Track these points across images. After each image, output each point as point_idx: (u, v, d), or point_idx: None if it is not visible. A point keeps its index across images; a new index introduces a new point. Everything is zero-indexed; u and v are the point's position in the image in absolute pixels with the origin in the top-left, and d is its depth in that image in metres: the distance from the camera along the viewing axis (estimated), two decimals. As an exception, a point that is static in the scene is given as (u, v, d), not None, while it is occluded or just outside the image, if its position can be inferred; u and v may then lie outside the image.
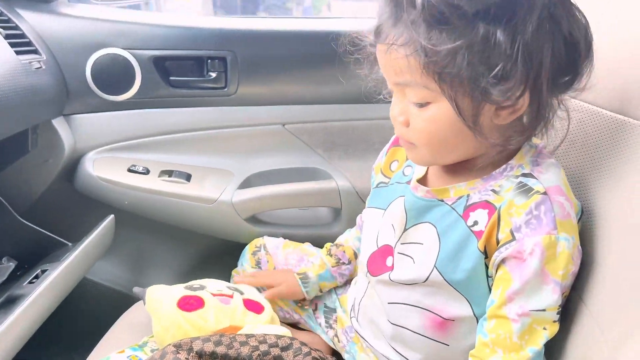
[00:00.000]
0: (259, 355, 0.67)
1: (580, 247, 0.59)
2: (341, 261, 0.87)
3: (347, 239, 0.90)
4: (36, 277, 0.84)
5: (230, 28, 1.10)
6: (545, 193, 0.58)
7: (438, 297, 0.64)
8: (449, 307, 0.64)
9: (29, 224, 1.00)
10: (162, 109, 1.11)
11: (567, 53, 0.55)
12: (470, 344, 0.64)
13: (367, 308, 0.75)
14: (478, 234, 0.60)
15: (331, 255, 0.88)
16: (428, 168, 0.69)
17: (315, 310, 0.90)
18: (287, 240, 0.98)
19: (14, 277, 0.94)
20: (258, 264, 0.95)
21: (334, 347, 0.86)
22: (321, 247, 0.92)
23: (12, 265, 0.95)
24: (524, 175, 0.60)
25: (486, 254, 0.60)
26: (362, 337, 0.77)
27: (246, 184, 1.12)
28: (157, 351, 0.69)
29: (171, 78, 1.09)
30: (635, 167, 0.58)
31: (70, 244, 1.00)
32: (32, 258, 0.97)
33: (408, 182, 0.70)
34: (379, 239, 0.72)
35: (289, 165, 1.14)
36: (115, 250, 1.11)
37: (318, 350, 0.69)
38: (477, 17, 0.51)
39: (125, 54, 1.05)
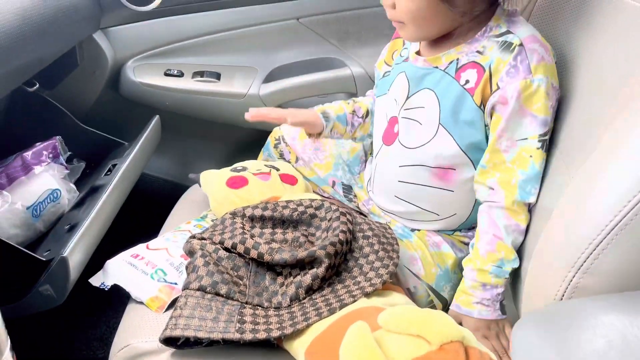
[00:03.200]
0: (298, 214, 0.84)
1: (556, 84, 0.72)
2: (355, 113, 0.98)
3: (363, 99, 1.01)
4: (109, 170, 1.01)
5: None
6: (521, 44, 0.71)
7: (443, 154, 0.78)
8: (451, 161, 0.78)
9: (89, 128, 1.15)
10: (186, 14, 1.21)
11: None
12: (471, 187, 0.80)
13: (382, 177, 0.89)
14: (470, 91, 0.74)
15: (349, 105, 0.98)
16: (420, 44, 0.82)
17: (333, 185, 1.03)
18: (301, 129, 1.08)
19: (85, 175, 1.11)
20: (282, 155, 1.06)
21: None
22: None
23: (82, 164, 1.11)
24: (503, 34, 0.73)
25: (483, 108, 0.74)
26: (377, 205, 0.92)
27: (270, 77, 1.24)
28: (217, 219, 0.88)
29: (191, -15, 1.18)
30: (612, 37, 0.68)
31: (126, 143, 1.16)
32: (96, 157, 1.14)
33: (406, 60, 0.84)
34: (387, 116, 0.86)
35: (306, 57, 1.25)
36: (163, 147, 1.27)
37: (344, 207, 0.86)
38: None
39: (147, -35, 1.13)
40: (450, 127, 0.77)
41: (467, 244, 0.86)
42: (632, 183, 0.50)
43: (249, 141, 1.30)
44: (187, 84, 1.21)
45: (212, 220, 0.94)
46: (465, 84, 0.75)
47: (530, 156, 0.72)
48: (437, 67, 0.78)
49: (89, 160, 1.13)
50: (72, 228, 0.86)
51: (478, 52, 0.74)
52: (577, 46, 0.73)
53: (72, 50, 1.10)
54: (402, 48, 0.88)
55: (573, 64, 0.73)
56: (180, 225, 0.94)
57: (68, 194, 0.97)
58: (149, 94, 1.21)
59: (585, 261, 0.52)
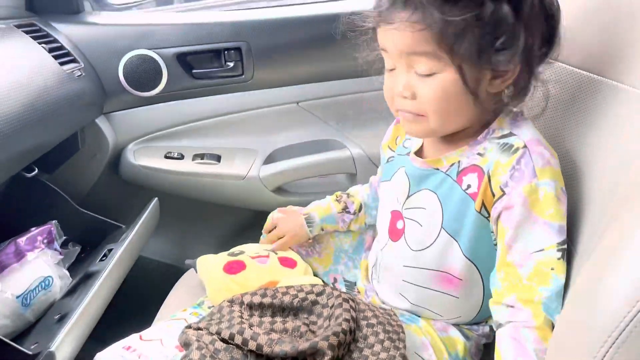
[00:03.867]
0: (299, 301, 0.81)
1: (564, 189, 0.66)
2: (347, 209, 0.96)
3: (357, 191, 0.98)
4: (105, 255, 0.98)
5: (242, 20, 1.21)
6: (525, 146, 0.65)
7: (446, 259, 0.73)
8: (455, 267, 0.73)
9: (87, 211, 1.14)
10: (188, 99, 1.24)
11: (548, 23, 0.64)
12: (478, 294, 0.75)
13: (387, 272, 0.84)
14: (473, 196, 0.69)
15: (339, 202, 0.96)
16: (423, 141, 0.78)
17: (335, 282, 0.99)
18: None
19: (80, 259, 1.08)
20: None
21: None
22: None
23: (77, 248, 1.09)
24: (505, 136, 0.68)
25: (488, 213, 0.68)
26: (379, 298, 0.86)
27: (270, 159, 1.25)
28: (215, 307, 0.84)
29: (194, 71, 1.21)
30: (610, 126, 0.65)
31: (123, 226, 1.14)
32: (92, 241, 1.11)
33: (408, 154, 0.79)
34: (390, 208, 0.81)
35: (306, 139, 1.27)
36: (161, 229, 1.24)
37: (346, 293, 0.82)
38: None
39: (151, 53, 1.17)
40: (454, 232, 0.72)
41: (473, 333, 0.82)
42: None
43: (248, 223, 1.29)
44: (187, 166, 1.22)
45: (209, 308, 0.90)
46: (467, 189, 0.70)
47: (552, 269, 0.63)
48: (438, 169, 0.73)
49: (85, 243, 1.11)
50: (63, 318, 0.82)
51: (479, 154, 0.69)
52: (583, 147, 0.70)
53: (74, 134, 1.11)
54: (406, 137, 0.83)
55: (582, 164, 0.70)
56: (176, 312, 0.90)
57: (60, 281, 0.94)
58: (149, 176, 1.21)
59: (604, 357, 0.49)
